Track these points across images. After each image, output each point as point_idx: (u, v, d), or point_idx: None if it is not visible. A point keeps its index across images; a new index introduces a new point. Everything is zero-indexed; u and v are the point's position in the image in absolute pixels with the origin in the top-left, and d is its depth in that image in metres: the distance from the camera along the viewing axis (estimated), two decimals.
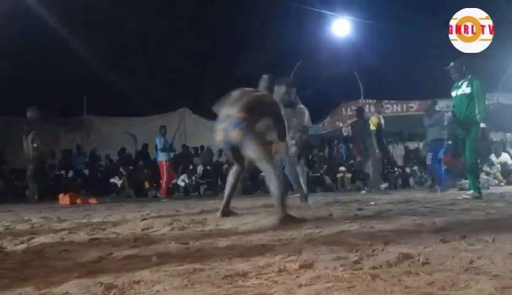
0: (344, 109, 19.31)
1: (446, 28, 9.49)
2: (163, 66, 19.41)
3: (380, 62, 18.23)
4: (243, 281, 2.04)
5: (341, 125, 18.22)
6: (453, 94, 7.51)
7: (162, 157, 11.74)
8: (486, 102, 7.62)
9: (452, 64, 7.47)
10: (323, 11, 13.65)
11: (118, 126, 17.34)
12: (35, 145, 10.49)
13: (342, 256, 2.51)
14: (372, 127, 10.47)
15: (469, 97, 7.18)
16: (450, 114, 7.55)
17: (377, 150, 10.45)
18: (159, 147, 11.82)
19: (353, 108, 18.43)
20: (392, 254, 2.55)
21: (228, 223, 4.41)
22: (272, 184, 4.54)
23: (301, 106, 7.42)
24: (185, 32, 19.83)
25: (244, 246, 2.98)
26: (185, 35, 19.78)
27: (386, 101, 18.99)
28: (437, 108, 11.37)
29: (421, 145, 15.90)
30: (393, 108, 18.89)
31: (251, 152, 4.60)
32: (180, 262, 2.51)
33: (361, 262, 2.35)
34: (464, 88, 7.25)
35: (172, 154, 12.78)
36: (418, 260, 2.31)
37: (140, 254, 2.87)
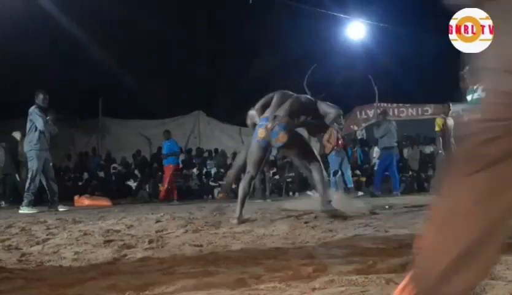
0: (358, 113, 19.21)
1: None
2: (178, 69, 19.47)
3: (395, 66, 18.11)
4: (256, 284, 2.04)
5: (355, 128, 18.12)
6: (469, 98, 7.44)
7: (168, 161, 11.85)
8: None
9: (467, 68, 7.40)
10: (338, 14, 13.59)
11: (133, 129, 17.42)
12: None
13: (355, 260, 2.50)
14: (437, 128, 10.32)
15: None
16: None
17: (440, 151, 10.37)
18: (163, 152, 12.03)
19: (368, 111, 18.40)
20: (406, 258, 2.53)
21: (242, 226, 4.41)
22: (318, 173, 5.17)
23: None
24: (200, 36, 19.90)
25: (257, 249, 2.99)
26: (199, 38, 19.85)
27: (401, 105, 18.92)
28: (387, 118, 11.54)
29: (436, 149, 15.80)
30: (408, 112, 18.77)
31: (297, 150, 5.19)
32: (194, 265, 2.52)
33: (375, 266, 2.34)
34: (480, 92, 7.18)
35: (180, 158, 12.91)
36: None
37: (154, 256, 2.89)
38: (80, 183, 14.05)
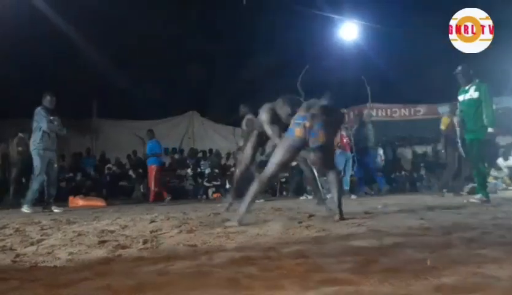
0: (352, 113, 19.32)
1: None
2: (171, 70, 19.45)
3: (388, 67, 18.17)
4: (250, 283, 2.05)
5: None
6: (461, 98, 7.48)
7: (150, 161, 11.78)
8: (494, 106, 7.58)
9: (459, 68, 7.44)
10: (331, 15, 13.63)
11: (127, 129, 17.42)
12: (20, 148, 10.56)
13: (349, 259, 2.52)
14: (443, 127, 10.27)
15: (477, 102, 7.15)
16: (459, 118, 7.52)
17: (442, 151, 10.35)
18: (147, 152, 11.92)
19: (363, 111, 18.44)
20: (400, 257, 2.56)
21: (236, 226, 4.42)
22: (336, 181, 4.97)
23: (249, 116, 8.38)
24: (193, 36, 19.88)
25: (251, 249, 3.00)
26: (193, 39, 19.82)
27: (393, 105, 19.02)
28: (363, 120, 11.95)
29: (429, 149, 15.88)
30: (401, 112, 18.89)
31: (328, 154, 4.90)
32: (188, 265, 2.53)
33: (369, 266, 2.36)
34: (472, 93, 7.22)
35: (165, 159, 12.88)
36: (426, 264, 2.31)
37: (148, 256, 2.90)
38: (74, 183, 14.01)
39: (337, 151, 10.92)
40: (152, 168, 11.67)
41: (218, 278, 2.16)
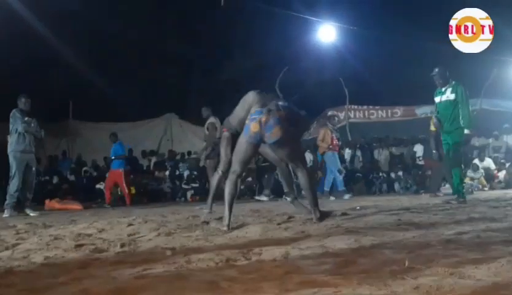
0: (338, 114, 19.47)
1: (431, 34, 9.59)
2: (149, 72, 19.37)
3: (366, 69, 18.35)
4: (229, 286, 2.04)
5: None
6: (437, 100, 7.57)
7: (115, 165, 11.58)
8: (470, 108, 7.69)
9: (436, 70, 7.53)
10: (309, 17, 13.67)
11: (104, 131, 17.20)
12: None
13: (328, 261, 2.53)
14: (432, 128, 10.20)
15: (453, 103, 7.24)
16: (435, 119, 7.59)
17: (434, 151, 10.32)
18: (111, 155, 11.70)
19: (339, 113, 18.58)
20: (378, 258, 2.58)
21: (215, 228, 4.41)
22: (307, 181, 4.84)
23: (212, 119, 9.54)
24: (171, 38, 19.81)
25: (230, 251, 2.99)
26: (171, 40, 19.76)
27: (371, 107, 19.20)
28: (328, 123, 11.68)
29: (405, 150, 16.04)
30: (378, 114, 19.08)
31: (289, 150, 4.74)
32: (167, 268, 2.51)
33: (347, 267, 2.37)
34: (448, 94, 7.31)
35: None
36: (404, 264, 2.33)
37: (126, 259, 2.87)
38: (50, 187, 13.82)
39: (329, 153, 10.94)
40: (120, 172, 11.44)
41: (197, 281, 2.15)
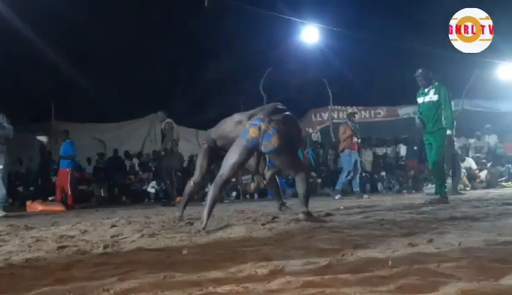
0: (313, 115, 19.57)
1: (413, 35, 9.65)
2: (133, 72, 19.24)
3: (349, 70, 18.43)
4: (214, 287, 2.04)
5: (310, 130, 18.39)
6: (420, 100, 7.64)
7: (63, 164, 11.34)
8: (453, 108, 7.77)
9: (419, 71, 7.60)
10: (292, 18, 13.68)
11: (87, 132, 17.10)
12: None
13: (312, 261, 2.53)
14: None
15: (436, 104, 7.31)
16: (418, 119, 7.66)
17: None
18: (61, 153, 11.46)
19: (323, 114, 18.66)
20: (361, 258, 2.59)
21: (199, 229, 4.39)
22: (304, 186, 4.94)
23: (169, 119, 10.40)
24: (156, 38, 19.72)
25: (214, 252, 2.98)
26: (155, 40, 19.66)
27: (354, 107, 19.31)
28: None
29: (389, 150, 16.17)
30: (361, 114, 19.19)
31: (286, 159, 4.86)
32: (150, 269, 2.49)
33: (331, 267, 2.38)
34: (431, 96, 7.39)
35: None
36: (387, 264, 2.35)
37: (109, 261, 2.85)
38: (31, 188, 13.68)
39: (346, 151, 10.81)
40: (66, 172, 11.18)
41: (182, 283, 2.14)
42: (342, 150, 10.90)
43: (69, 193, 11.14)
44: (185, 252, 3.03)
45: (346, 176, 10.88)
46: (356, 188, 11.01)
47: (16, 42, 14.96)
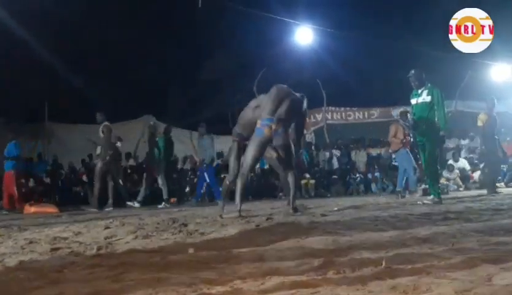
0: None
1: (407, 36, 9.67)
2: (126, 73, 19.19)
3: (343, 71, 18.47)
4: (208, 288, 2.04)
5: (304, 131, 18.40)
6: (413, 102, 7.66)
7: (7, 166, 10.97)
8: (446, 109, 7.79)
9: (412, 72, 7.62)
10: (286, 19, 13.69)
11: (81, 133, 16.98)
12: None
13: (306, 262, 2.53)
14: (480, 123, 9.90)
15: (429, 105, 7.34)
16: (411, 120, 7.67)
17: (483, 147, 10.08)
18: (5, 154, 11.01)
19: (317, 115, 18.66)
20: (355, 259, 2.59)
21: (193, 230, 4.39)
22: (293, 181, 6.11)
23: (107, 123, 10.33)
24: (150, 38, 19.68)
25: (209, 253, 2.98)
26: (149, 41, 19.63)
27: (348, 108, 19.36)
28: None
29: (383, 151, 16.20)
30: (355, 115, 19.27)
31: (290, 152, 6.05)
32: (145, 271, 2.49)
33: (326, 268, 2.38)
34: (424, 97, 7.41)
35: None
36: (381, 264, 2.35)
37: (103, 263, 2.83)
38: (24, 190, 13.60)
39: (402, 150, 10.24)
40: (11, 174, 10.87)
41: (176, 284, 2.13)
42: (397, 150, 10.41)
43: (16, 195, 10.86)
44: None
45: (414, 174, 10.45)
46: (412, 188, 10.57)
47: (9, 43, 14.90)
